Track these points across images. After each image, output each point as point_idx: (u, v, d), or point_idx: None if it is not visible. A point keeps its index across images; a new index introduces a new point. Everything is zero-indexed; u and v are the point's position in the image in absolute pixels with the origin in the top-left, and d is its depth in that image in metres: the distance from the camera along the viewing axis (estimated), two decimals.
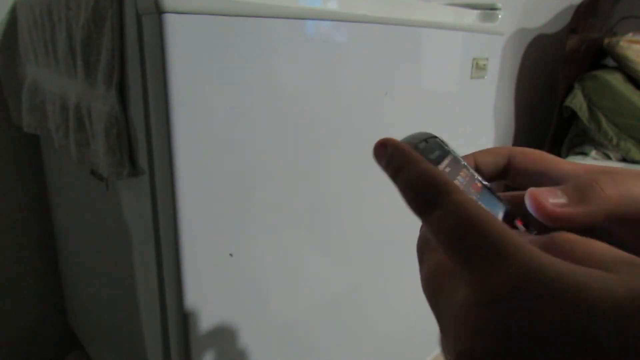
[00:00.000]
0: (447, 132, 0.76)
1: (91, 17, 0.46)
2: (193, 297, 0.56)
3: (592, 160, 1.47)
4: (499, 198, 0.24)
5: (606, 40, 1.52)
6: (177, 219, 0.51)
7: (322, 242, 0.65)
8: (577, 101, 1.48)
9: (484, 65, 0.78)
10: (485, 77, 0.80)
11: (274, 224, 0.58)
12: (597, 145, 1.50)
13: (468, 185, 0.23)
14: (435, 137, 0.25)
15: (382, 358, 0.83)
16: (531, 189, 0.22)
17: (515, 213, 0.23)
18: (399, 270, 0.77)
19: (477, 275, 0.16)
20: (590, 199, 0.21)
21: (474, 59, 0.78)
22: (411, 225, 0.28)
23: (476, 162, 0.26)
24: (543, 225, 0.22)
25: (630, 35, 1.49)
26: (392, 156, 0.21)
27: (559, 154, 1.53)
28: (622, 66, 1.48)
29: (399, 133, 0.25)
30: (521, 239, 0.17)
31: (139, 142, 0.48)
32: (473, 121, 0.83)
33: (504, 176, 0.27)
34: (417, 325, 0.88)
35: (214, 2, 0.47)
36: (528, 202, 0.22)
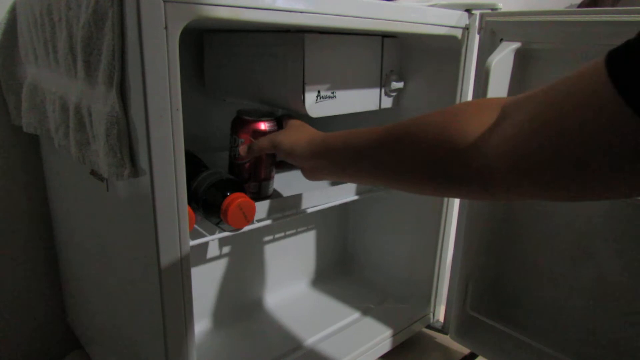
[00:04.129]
0: None
1: (92, 17, 0.46)
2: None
3: None
4: None
5: None
6: (177, 219, 0.51)
7: None
8: None
9: None
10: None
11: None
12: None
13: None
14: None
15: None
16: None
17: None
18: None
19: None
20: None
21: None
22: None
23: None
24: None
25: None
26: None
27: None
28: None
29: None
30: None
31: (139, 142, 0.48)
32: None
33: None
34: None
35: (214, 7, 0.47)
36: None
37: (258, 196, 0.72)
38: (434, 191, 0.45)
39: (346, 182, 0.72)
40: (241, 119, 0.69)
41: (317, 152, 0.57)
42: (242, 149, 0.68)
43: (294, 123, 0.67)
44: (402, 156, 0.45)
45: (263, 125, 0.69)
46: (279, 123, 0.70)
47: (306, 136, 0.61)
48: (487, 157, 0.37)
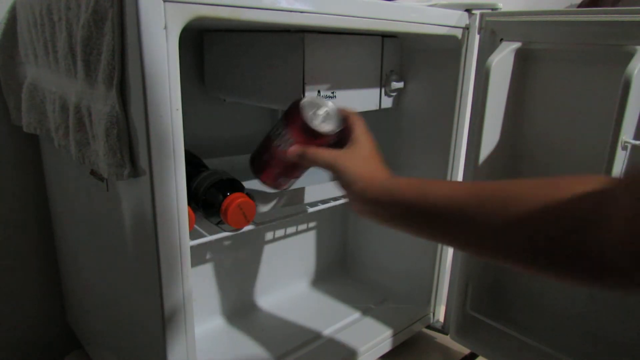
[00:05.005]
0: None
1: (91, 17, 0.46)
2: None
3: None
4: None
5: None
6: (177, 219, 0.51)
7: None
8: None
9: None
10: None
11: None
12: None
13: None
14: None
15: None
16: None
17: None
18: None
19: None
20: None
21: None
22: None
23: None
24: None
25: None
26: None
27: None
28: None
29: None
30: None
31: (139, 142, 0.48)
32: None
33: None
34: None
35: (214, 7, 0.47)
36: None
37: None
38: (527, 269, 0.39)
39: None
40: (301, 120, 0.56)
41: (380, 199, 0.50)
42: (293, 153, 0.57)
43: (362, 146, 0.56)
44: (496, 227, 0.39)
45: (324, 139, 0.57)
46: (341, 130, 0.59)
47: (371, 172, 0.53)
48: (604, 245, 0.32)
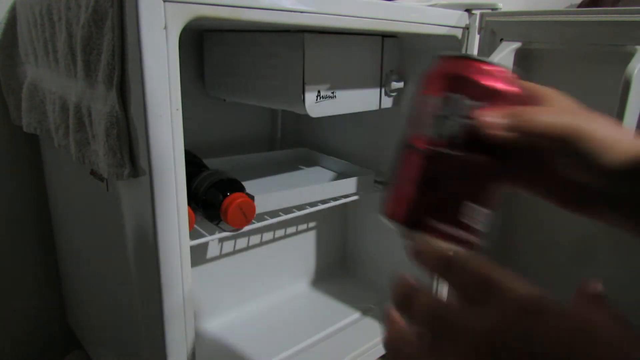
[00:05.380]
0: None
1: (91, 17, 0.46)
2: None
3: None
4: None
5: None
6: (177, 219, 0.51)
7: None
8: None
9: None
10: None
11: None
12: None
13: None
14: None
15: None
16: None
17: None
18: None
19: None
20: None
21: None
22: None
23: None
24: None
25: None
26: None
27: None
28: None
29: None
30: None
31: (139, 142, 0.48)
32: None
33: None
34: None
35: (214, 7, 0.47)
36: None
37: (468, 241, 0.34)
38: None
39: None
40: (477, 65, 0.31)
41: None
42: (492, 121, 0.31)
43: (564, 99, 0.36)
44: None
45: (513, 98, 0.32)
46: None
47: (617, 134, 0.33)
48: None
